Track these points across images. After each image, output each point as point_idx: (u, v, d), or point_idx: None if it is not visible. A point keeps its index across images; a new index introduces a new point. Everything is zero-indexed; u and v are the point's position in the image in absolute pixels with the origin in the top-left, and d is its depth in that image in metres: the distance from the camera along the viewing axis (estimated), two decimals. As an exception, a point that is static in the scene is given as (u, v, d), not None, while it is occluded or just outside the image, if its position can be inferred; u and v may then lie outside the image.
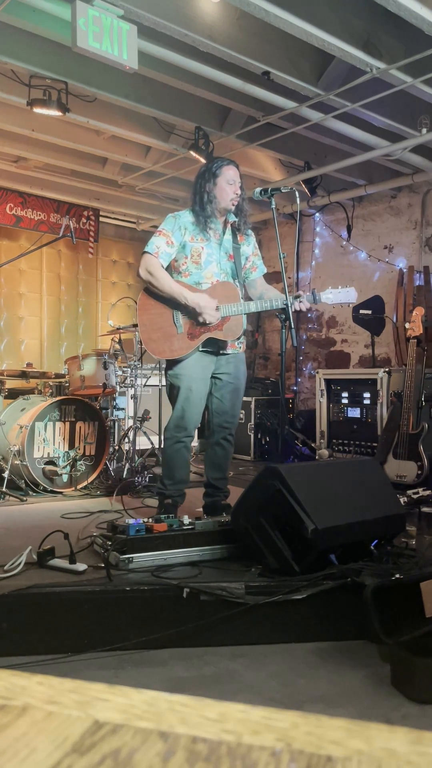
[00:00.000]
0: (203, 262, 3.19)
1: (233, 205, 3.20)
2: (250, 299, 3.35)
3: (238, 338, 3.25)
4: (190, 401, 3.17)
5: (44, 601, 2.16)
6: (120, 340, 4.76)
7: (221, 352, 3.24)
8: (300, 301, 3.06)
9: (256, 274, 3.41)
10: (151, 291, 3.17)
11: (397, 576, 2.18)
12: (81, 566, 2.37)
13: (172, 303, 3.13)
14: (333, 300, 3.14)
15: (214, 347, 3.21)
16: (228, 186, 3.18)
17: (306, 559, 2.28)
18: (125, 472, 4.44)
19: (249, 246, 3.38)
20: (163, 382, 3.55)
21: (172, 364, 3.19)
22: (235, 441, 3.39)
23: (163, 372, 3.58)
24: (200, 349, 3.16)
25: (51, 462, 4.31)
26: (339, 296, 3.14)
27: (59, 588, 2.20)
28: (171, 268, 3.22)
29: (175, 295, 3.09)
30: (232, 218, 3.28)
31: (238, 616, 2.13)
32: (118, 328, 4.86)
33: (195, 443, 5.66)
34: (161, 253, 3.13)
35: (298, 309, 3.08)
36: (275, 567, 2.34)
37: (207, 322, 3.10)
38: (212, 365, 3.23)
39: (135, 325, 3.48)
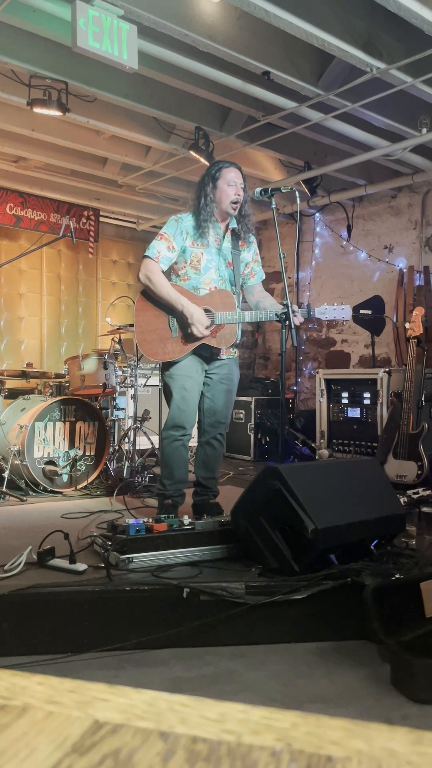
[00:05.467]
0: (202, 267, 3.20)
1: (234, 208, 3.19)
2: (246, 303, 3.38)
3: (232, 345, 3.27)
4: (187, 400, 3.20)
5: (44, 601, 2.16)
6: (120, 340, 4.76)
7: (215, 357, 3.27)
8: (294, 315, 3.01)
9: (254, 280, 3.42)
10: (148, 294, 3.19)
11: (397, 576, 2.18)
12: (81, 566, 2.37)
13: (168, 308, 3.15)
14: (327, 316, 3.15)
15: (208, 352, 3.24)
16: (228, 187, 3.17)
17: (306, 559, 2.28)
18: (125, 472, 4.44)
19: (249, 252, 3.38)
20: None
21: (167, 365, 3.23)
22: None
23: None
24: (194, 352, 3.19)
25: (51, 462, 4.31)
26: (334, 313, 3.15)
27: (59, 588, 2.20)
28: (170, 271, 3.25)
29: (172, 302, 3.11)
30: (234, 224, 3.28)
31: (238, 616, 2.13)
32: (118, 328, 4.86)
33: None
34: (162, 258, 3.15)
35: (292, 325, 3.00)
36: (275, 567, 2.34)
37: (195, 335, 3.11)
38: (205, 366, 3.27)
39: (131, 325, 3.49)
